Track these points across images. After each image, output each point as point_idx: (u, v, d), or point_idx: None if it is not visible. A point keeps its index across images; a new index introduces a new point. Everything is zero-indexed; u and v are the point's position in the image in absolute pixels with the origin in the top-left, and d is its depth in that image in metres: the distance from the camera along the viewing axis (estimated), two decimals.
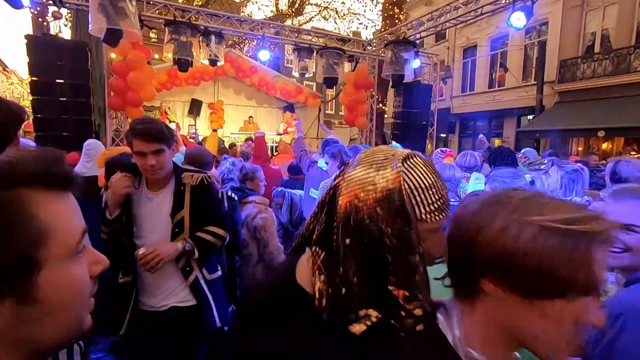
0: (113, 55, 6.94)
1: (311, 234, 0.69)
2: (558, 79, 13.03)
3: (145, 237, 1.77)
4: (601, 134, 11.11)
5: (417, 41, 8.28)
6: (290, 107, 12.17)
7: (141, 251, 1.66)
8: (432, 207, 0.61)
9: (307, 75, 8.78)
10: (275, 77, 11.85)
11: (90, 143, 3.43)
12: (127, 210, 1.74)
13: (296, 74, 8.72)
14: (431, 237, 0.62)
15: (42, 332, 0.39)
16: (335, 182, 0.65)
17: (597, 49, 12.47)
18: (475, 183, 2.51)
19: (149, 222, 1.78)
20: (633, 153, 11.41)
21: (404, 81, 7.77)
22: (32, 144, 2.96)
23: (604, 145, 12.51)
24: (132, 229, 1.77)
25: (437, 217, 0.62)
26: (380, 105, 10.46)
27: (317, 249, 0.65)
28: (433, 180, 0.62)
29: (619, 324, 0.92)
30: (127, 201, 1.74)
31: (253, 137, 9.75)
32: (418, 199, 0.60)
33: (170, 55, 6.69)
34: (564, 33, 13.05)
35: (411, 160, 0.63)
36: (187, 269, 1.81)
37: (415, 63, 7.86)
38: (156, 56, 13.15)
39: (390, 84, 8.55)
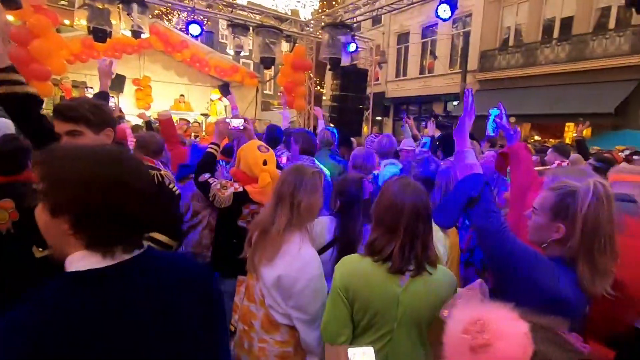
0: (11, 19, 5.94)
1: None
2: (479, 68, 14.23)
3: None
4: (512, 119, 12.47)
5: (354, 25, 8.38)
6: (225, 86, 11.63)
7: None
8: None
9: (243, 54, 8.43)
10: (208, 54, 11.20)
11: None
12: None
13: (231, 52, 8.33)
14: None
15: None
16: None
17: (511, 42, 13.81)
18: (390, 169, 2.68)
19: None
20: (537, 137, 13.07)
21: (341, 64, 7.86)
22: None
23: None
24: None
25: None
26: (319, 87, 10.49)
27: None
28: None
29: None
30: None
31: (185, 118, 9.20)
32: None
33: (84, 22, 5.92)
34: (485, 26, 14.19)
35: None
36: None
37: (352, 47, 7.97)
38: (66, 22, 11.57)
39: (328, 67, 8.59)
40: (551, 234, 1.16)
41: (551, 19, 12.64)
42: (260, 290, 1.54)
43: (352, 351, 0.90)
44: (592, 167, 2.93)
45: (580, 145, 4.16)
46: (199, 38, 9.61)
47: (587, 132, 11.97)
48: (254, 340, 1.54)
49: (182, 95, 11.58)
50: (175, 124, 5.63)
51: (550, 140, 12.62)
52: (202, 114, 10.84)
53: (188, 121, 7.77)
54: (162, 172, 1.73)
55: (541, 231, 1.19)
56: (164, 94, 11.59)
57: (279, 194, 1.54)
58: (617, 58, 10.62)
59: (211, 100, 11.85)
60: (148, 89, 11.27)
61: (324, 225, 1.87)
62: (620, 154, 5.83)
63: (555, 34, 12.47)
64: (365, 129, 10.86)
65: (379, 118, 18.55)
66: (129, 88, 10.96)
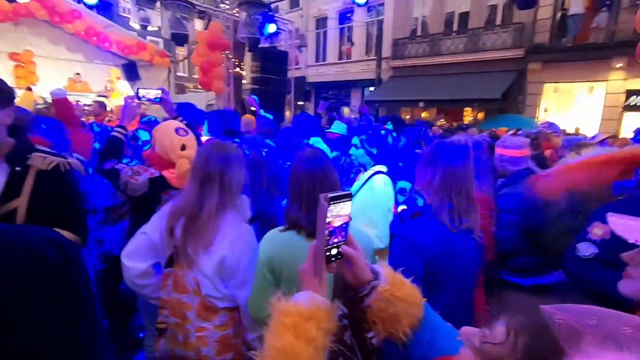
0: None
1: None
2: (392, 55, 15.13)
3: None
4: (421, 104, 13.65)
5: (272, 5, 8.19)
6: (131, 66, 10.44)
7: None
8: None
9: (150, 29, 7.65)
10: (107, 27, 9.87)
11: None
12: None
13: (136, 25, 7.49)
14: None
15: None
16: None
17: (419, 32, 14.94)
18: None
19: None
20: (442, 121, 14.52)
21: (259, 45, 7.65)
22: None
23: (423, 114, 15.44)
24: None
25: None
26: (238, 69, 10.08)
27: None
28: None
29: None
30: None
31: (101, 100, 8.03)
32: None
33: None
34: (396, 15, 15.06)
35: None
36: None
37: (271, 27, 7.79)
38: None
39: (247, 47, 8.30)
40: (424, 178, 1.42)
41: (451, 13, 13.97)
42: (195, 279, 1.48)
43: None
44: (486, 143, 3.40)
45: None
46: (94, 8, 8.44)
47: (480, 115, 13.73)
48: (189, 331, 1.49)
49: (77, 73, 10.09)
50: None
51: (453, 123, 14.15)
52: (100, 96, 9.61)
53: (105, 104, 6.68)
54: (69, 160, 1.52)
55: (419, 175, 1.46)
56: (52, 72, 9.93)
57: (205, 174, 1.46)
58: (502, 51, 12.25)
59: (109, 77, 10.51)
60: (31, 65, 9.54)
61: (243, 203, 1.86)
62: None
63: (455, 27, 13.84)
64: (287, 114, 10.81)
65: (300, 103, 18.62)
66: (5, 64, 9.17)
